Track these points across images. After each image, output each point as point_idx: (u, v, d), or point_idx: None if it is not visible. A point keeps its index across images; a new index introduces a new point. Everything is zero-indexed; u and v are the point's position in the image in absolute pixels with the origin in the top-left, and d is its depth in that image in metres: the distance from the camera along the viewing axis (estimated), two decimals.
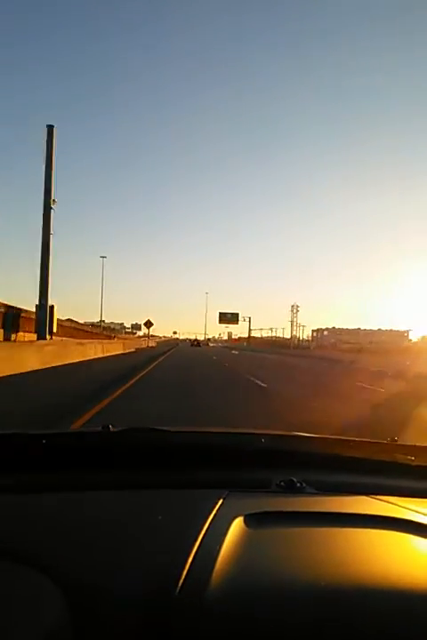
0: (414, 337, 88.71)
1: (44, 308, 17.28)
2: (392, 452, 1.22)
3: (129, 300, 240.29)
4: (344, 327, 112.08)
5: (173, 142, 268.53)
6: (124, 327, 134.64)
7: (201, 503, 0.88)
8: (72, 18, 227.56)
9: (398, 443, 1.28)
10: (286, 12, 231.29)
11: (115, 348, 26.63)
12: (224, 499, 0.90)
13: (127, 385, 9.66)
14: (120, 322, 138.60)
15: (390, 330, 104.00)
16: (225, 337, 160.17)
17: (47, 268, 17.39)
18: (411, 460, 1.15)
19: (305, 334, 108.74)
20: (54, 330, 17.92)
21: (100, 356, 20.41)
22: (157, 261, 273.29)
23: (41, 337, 16.71)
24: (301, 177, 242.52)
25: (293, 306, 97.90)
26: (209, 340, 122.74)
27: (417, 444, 1.27)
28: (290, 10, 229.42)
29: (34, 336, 16.95)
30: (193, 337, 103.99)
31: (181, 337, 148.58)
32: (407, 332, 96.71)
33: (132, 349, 34.33)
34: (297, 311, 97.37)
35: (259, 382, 12.02)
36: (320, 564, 0.70)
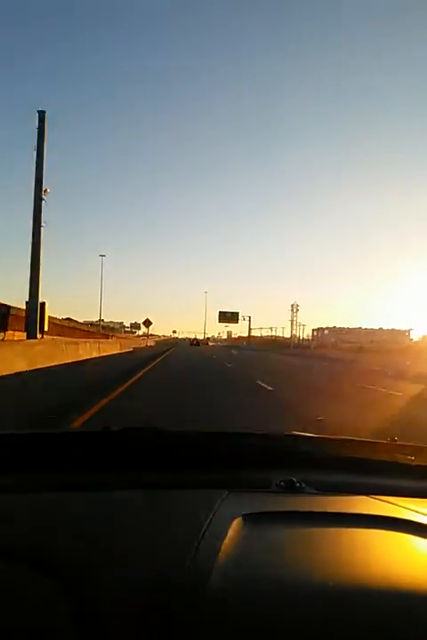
0: (415, 336, 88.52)
1: (34, 305, 16.25)
2: (392, 451, 1.22)
3: (129, 299, 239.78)
4: (345, 326, 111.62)
5: (173, 142, 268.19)
6: (124, 326, 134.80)
7: (201, 503, 0.87)
8: (72, 20, 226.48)
9: (398, 443, 1.27)
10: (286, 13, 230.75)
11: (111, 348, 25.60)
12: (224, 498, 0.90)
13: (115, 393, 8.45)
14: (120, 321, 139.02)
15: (391, 329, 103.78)
16: (224, 336, 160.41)
17: (38, 263, 16.37)
18: (411, 459, 1.15)
19: (305, 333, 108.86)
20: (45, 328, 16.92)
21: (95, 356, 19.49)
22: (156, 261, 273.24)
23: (31, 336, 15.74)
24: (301, 176, 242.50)
25: (293, 305, 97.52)
26: (208, 339, 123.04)
27: (417, 444, 1.28)
28: (290, 10, 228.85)
29: (24, 334, 16.03)
30: (192, 336, 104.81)
31: (181, 336, 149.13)
32: (408, 331, 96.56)
33: (130, 349, 33.40)
34: (297, 310, 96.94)
35: (266, 386, 11.14)
36: (320, 564, 0.70)
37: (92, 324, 50.88)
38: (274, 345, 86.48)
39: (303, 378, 16.02)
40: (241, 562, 0.67)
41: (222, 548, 0.69)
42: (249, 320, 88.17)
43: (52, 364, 12.93)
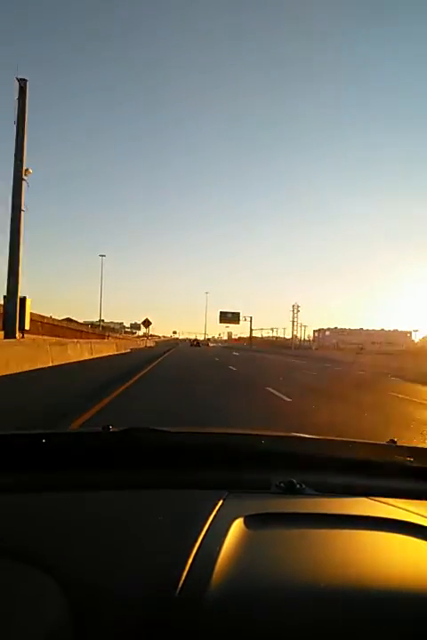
0: (416, 337, 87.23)
1: (13, 300, 14.25)
2: (392, 453, 1.22)
3: (129, 300, 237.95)
4: (346, 327, 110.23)
5: (174, 141, 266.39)
6: (124, 327, 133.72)
7: (201, 504, 0.87)
8: (72, 18, 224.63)
9: (398, 444, 1.26)
10: (287, 13, 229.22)
11: (106, 349, 23.46)
12: (224, 499, 0.90)
13: (98, 406, 6.70)
14: (120, 321, 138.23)
15: (394, 330, 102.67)
16: (225, 337, 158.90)
17: (17, 252, 14.32)
18: (410, 461, 1.15)
19: (306, 334, 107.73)
20: (27, 326, 14.89)
21: (87, 357, 17.56)
22: (157, 261, 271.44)
23: (10, 335, 13.79)
24: (303, 176, 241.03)
25: (294, 306, 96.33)
26: (209, 340, 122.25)
27: (416, 446, 1.34)
28: (290, 10, 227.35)
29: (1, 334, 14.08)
30: (193, 337, 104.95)
31: (181, 337, 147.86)
32: (410, 332, 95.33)
33: (127, 350, 31.40)
34: (298, 311, 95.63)
35: (281, 395, 9.23)
36: (320, 566, 0.70)
37: (92, 324, 51.19)
38: (275, 346, 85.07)
39: (321, 384, 14.01)
40: (242, 563, 0.67)
41: (223, 549, 0.69)
42: (251, 321, 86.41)
43: (28, 369, 11.00)
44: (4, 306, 14.56)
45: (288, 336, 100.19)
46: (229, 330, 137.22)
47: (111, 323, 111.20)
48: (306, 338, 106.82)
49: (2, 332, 14.21)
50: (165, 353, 30.47)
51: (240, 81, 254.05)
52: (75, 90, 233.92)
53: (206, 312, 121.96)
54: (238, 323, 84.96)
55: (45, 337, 17.33)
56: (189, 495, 0.95)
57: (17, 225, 14.29)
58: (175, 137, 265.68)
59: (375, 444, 1.30)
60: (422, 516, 0.87)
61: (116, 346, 28.18)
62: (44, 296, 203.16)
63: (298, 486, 0.98)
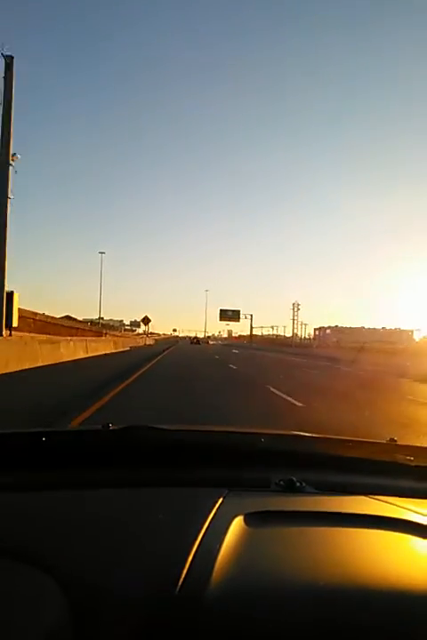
0: (417, 336, 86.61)
1: None
2: (392, 452, 1.21)
3: (129, 297, 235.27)
4: (347, 325, 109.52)
5: (174, 137, 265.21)
6: (124, 324, 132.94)
7: (201, 502, 0.87)
8: (71, 15, 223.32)
9: (398, 443, 1.26)
10: (287, 8, 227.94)
11: (103, 347, 22.56)
12: (224, 497, 0.90)
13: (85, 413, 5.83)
14: (120, 319, 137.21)
15: (395, 328, 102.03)
16: (225, 335, 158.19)
17: (4, 243, 13.34)
18: (410, 460, 1.15)
19: (307, 332, 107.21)
20: (15, 323, 13.91)
21: (82, 356, 16.69)
22: (157, 259, 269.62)
23: None
24: (303, 173, 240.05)
25: (294, 304, 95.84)
26: (209, 337, 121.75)
27: (416, 445, 1.31)
28: (292, 5, 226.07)
29: None
30: (193, 335, 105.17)
31: (181, 334, 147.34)
32: (412, 331, 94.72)
33: (126, 348, 30.47)
34: (298, 309, 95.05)
35: (293, 400, 8.29)
36: (320, 564, 0.70)
37: (91, 322, 50.30)
38: (275, 344, 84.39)
39: (333, 387, 13.04)
40: (242, 561, 0.67)
41: (223, 547, 0.69)
42: (251, 319, 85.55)
43: (14, 370, 10.07)
44: None
45: (289, 334, 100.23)
46: (229, 328, 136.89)
47: (111, 320, 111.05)
48: (306, 336, 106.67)
49: None
50: (164, 351, 29.82)
51: (239, 77, 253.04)
52: (74, 88, 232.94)
53: (206, 310, 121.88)
54: (239, 320, 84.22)
55: (33, 334, 16.35)
56: (188, 493, 0.96)
57: (3, 213, 13.33)
58: (175, 132, 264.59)
59: (376, 442, 1.31)
60: (423, 514, 0.87)
61: (114, 344, 27.26)
62: (44, 294, 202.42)
63: (298, 484, 0.98)
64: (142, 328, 56.09)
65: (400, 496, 0.98)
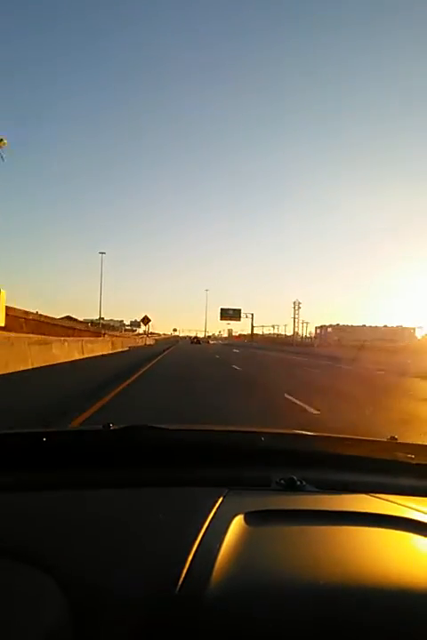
0: (419, 334, 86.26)
1: None
2: (392, 450, 1.21)
3: (129, 297, 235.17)
4: (348, 324, 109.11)
5: (174, 137, 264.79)
6: (124, 324, 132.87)
7: (201, 501, 0.87)
8: (72, 14, 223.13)
9: (398, 441, 1.25)
10: (286, 8, 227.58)
11: (100, 348, 21.93)
12: (224, 497, 0.90)
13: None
14: (120, 319, 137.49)
15: (397, 326, 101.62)
16: (225, 334, 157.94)
17: None
18: (411, 458, 1.14)
19: (308, 331, 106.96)
20: (1, 323, 13.44)
21: (77, 357, 16.21)
22: (157, 259, 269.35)
23: None
24: (304, 171, 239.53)
25: (295, 302, 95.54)
26: (209, 337, 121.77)
27: (417, 443, 1.27)
28: (290, 5, 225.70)
29: None
30: (193, 334, 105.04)
31: (182, 334, 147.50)
32: (414, 329, 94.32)
33: (125, 348, 30.01)
34: (299, 308, 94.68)
35: (307, 407, 7.95)
36: (320, 563, 0.70)
37: (91, 322, 49.73)
38: (276, 343, 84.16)
39: (334, 385, 12.66)
40: (242, 560, 0.67)
41: (224, 546, 0.69)
42: (252, 318, 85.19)
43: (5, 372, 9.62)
44: None
45: (290, 333, 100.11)
46: (229, 327, 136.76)
47: (111, 320, 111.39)
48: (307, 335, 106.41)
49: None
50: (164, 351, 29.52)
51: (238, 77, 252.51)
52: (75, 87, 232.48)
53: (207, 309, 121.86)
54: (239, 320, 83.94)
55: (22, 335, 15.83)
56: (189, 493, 0.95)
57: None
58: (175, 132, 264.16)
59: (376, 440, 1.30)
60: (423, 512, 0.87)
61: (113, 344, 26.80)
62: (44, 294, 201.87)
63: (298, 483, 0.98)
64: (142, 328, 55.62)
65: (401, 494, 0.98)
